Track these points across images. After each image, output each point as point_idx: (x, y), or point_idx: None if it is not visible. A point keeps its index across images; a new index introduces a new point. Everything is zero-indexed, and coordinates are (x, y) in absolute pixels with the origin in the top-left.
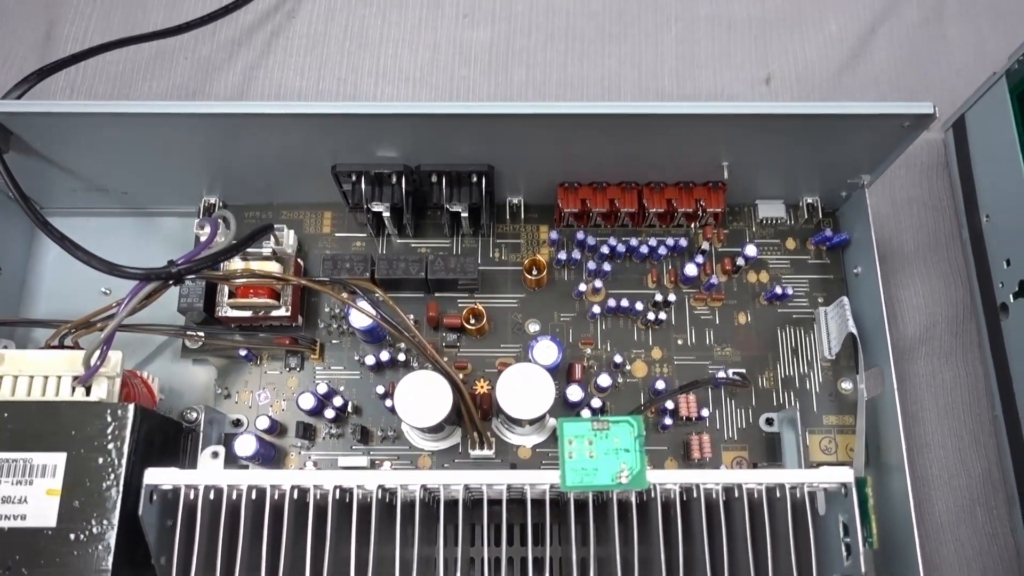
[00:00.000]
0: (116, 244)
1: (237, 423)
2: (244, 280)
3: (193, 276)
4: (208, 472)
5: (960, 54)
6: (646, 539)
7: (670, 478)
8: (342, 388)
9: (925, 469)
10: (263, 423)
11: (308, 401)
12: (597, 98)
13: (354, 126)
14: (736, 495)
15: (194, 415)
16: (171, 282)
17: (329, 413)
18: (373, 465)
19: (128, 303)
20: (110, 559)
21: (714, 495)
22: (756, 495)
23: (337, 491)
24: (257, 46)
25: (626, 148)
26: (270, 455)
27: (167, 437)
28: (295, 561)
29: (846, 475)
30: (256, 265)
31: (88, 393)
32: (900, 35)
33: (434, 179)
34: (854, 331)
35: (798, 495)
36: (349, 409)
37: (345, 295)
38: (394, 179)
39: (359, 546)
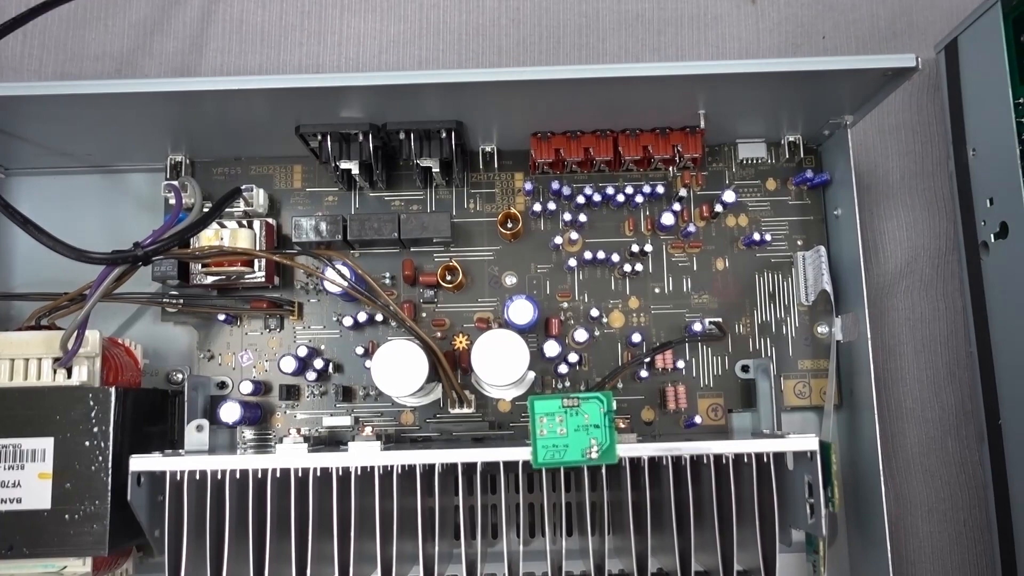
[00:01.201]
0: (84, 204)
1: (222, 385)
2: (213, 257)
3: (161, 257)
4: (191, 458)
5: None
6: (615, 485)
7: (640, 451)
8: (323, 347)
9: (899, 403)
10: (246, 387)
11: (289, 364)
12: (573, 23)
13: (313, 95)
14: (705, 462)
15: (179, 376)
16: (140, 264)
17: (311, 375)
18: (357, 423)
19: (99, 288)
20: (106, 536)
21: (683, 460)
22: (724, 461)
23: (318, 471)
24: None
25: (599, 98)
26: (256, 416)
27: (154, 406)
28: (280, 525)
29: (811, 444)
30: (227, 235)
31: (69, 375)
32: None
33: (402, 136)
34: (828, 288)
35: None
36: (331, 369)
37: (315, 265)
38: (360, 137)
39: (340, 502)
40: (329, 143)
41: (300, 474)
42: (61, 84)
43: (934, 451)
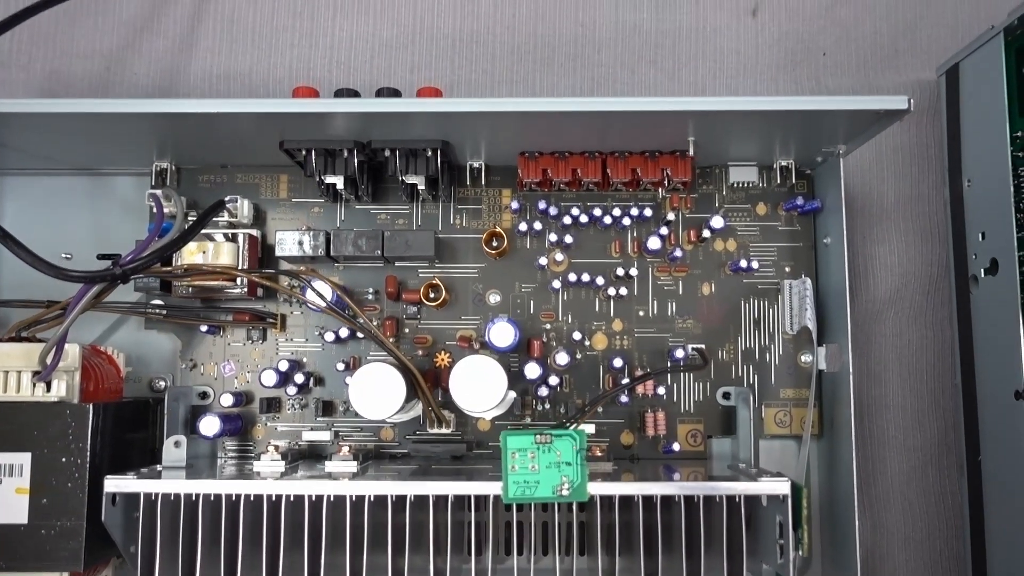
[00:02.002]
0: (71, 206)
1: (204, 396)
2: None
3: (140, 276)
4: (165, 482)
5: None
6: (588, 505)
7: (611, 490)
8: (305, 359)
9: (882, 430)
10: (227, 400)
11: (270, 378)
12: (569, 32)
13: (296, 117)
14: (676, 499)
15: (162, 384)
16: (119, 282)
17: (292, 389)
18: (337, 437)
19: (77, 305)
20: (82, 552)
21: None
22: (696, 499)
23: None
24: None
25: (587, 122)
26: (237, 427)
27: (137, 416)
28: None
29: (783, 488)
30: (210, 249)
31: (48, 388)
32: None
33: (387, 153)
34: (809, 325)
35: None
36: (312, 383)
37: (294, 285)
38: (345, 153)
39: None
40: (314, 157)
41: (274, 499)
42: (42, 103)
43: (915, 480)
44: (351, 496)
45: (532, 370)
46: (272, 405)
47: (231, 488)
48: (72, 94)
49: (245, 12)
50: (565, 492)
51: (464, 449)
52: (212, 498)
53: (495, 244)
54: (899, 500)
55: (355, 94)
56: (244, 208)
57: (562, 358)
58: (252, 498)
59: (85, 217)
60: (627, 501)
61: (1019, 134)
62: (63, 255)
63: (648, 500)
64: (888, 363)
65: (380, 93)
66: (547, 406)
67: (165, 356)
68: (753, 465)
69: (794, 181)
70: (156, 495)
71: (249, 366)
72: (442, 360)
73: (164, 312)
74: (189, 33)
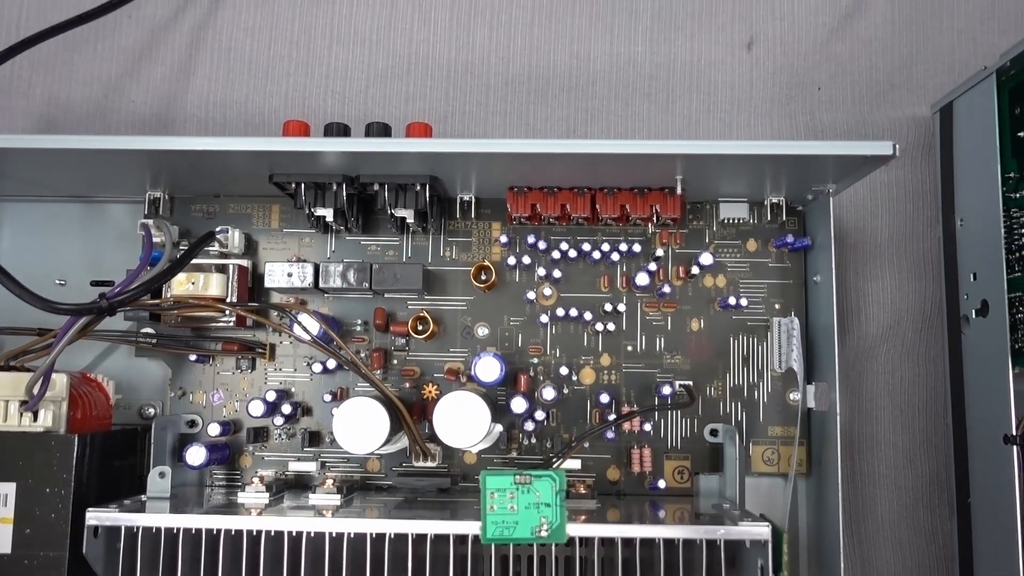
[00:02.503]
0: (65, 232)
1: (192, 424)
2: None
3: (127, 309)
4: (147, 516)
5: (967, 9)
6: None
7: (591, 532)
8: (293, 389)
9: (873, 468)
10: (214, 430)
11: (258, 408)
12: (564, 64)
13: (284, 155)
14: (656, 542)
15: (152, 411)
16: (105, 315)
17: (279, 419)
18: (324, 468)
19: (63, 337)
20: None
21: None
22: (676, 543)
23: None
24: (204, 3)
25: (576, 160)
26: (224, 456)
27: (125, 444)
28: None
29: (763, 533)
30: (200, 280)
31: (36, 418)
32: None
33: (376, 187)
34: (795, 367)
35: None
36: (300, 413)
37: (280, 320)
38: (335, 187)
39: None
40: (303, 190)
41: (255, 533)
42: (37, 139)
43: (905, 519)
44: (330, 533)
45: (518, 404)
46: (259, 435)
47: (212, 523)
48: (71, 120)
49: (242, 41)
50: (544, 533)
51: (449, 483)
52: (193, 531)
53: (484, 277)
54: (889, 539)
55: (345, 128)
56: (235, 238)
57: (549, 393)
58: (233, 532)
59: (80, 244)
60: (610, 539)
61: (1011, 175)
62: (57, 281)
63: (630, 539)
64: (880, 400)
65: (370, 128)
66: (533, 440)
67: (155, 384)
68: (738, 505)
69: (785, 218)
70: (137, 528)
71: (238, 395)
72: (430, 392)
73: (154, 341)
74: (187, 61)
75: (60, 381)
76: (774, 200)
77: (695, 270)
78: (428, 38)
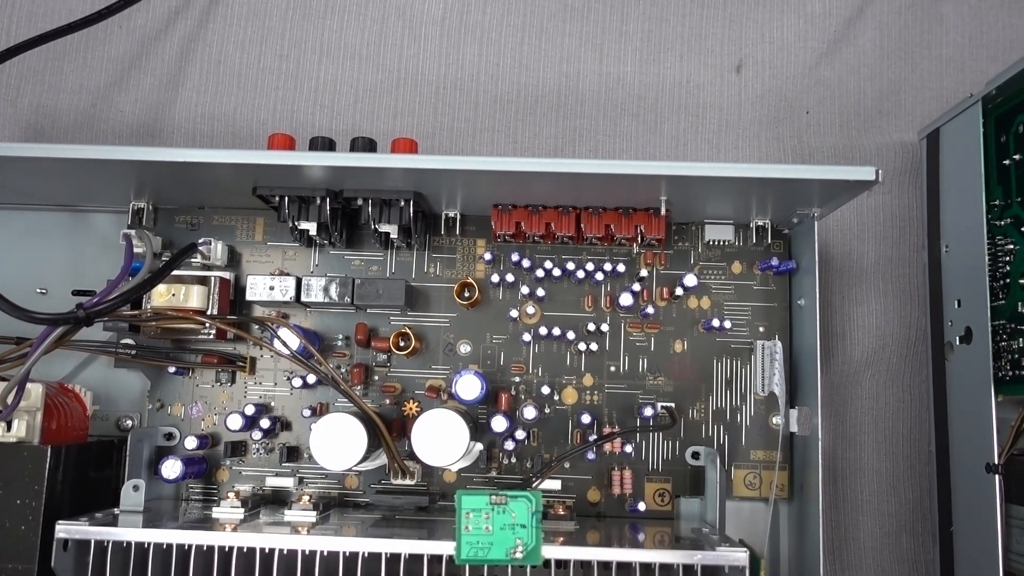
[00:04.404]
0: (49, 241)
1: (169, 437)
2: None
3: (105, 319)
4: (117, 529)
5: (955, 37)
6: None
7: (566, 554)
8: (273, 403)
9: (856, 494)
10: (191, 443)
11: (236, 422)
12: (553, 83)
13: (268, 168)
14: (633, 566)
15: (129, 422)
16: (82, 325)
17: (257, 434)
18: (301, 483)
19: (39, 347)
20: None
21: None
22: (653, 567)
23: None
24: (195, 15)
25: (560, 179)
26: (201, 470)
27: (101, 456)
28: None
29: (742, 559)
30: (181, 291)
31: (9, 428)
32: (890, 16)
33: (360, 202)
34: (776, 391)
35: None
36: (278, 427)
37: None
38: (319, 201)
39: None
40: (287, 204)
41: (226, 549)
42: (21, 147)
43: (887, 546)
44: (303, 550)
45: (499, 423)
46: (237, 449)
47: (183, 538)
48: (58, 129)
49: (232, 53)
50: (519, 555)
51: (428, 501)
52: (164, 546)
53: (467, 295)
54: (872, 566)
55: (330, 142)
56: (218, 250)
57: (530, 412)
58: (205, 548)
59: (63, 252)
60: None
61: (996, 202)
62: (38, 290)
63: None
64: (864, 426)
65: (355, 143)
66: (513, 460)
67: (134, 395)
68: (718, 529)
69: (770, 241)
70: (108, 542)
71: (217, 408)
72: (410, 409)
73: (133, 352)
74: (176, 72)
75: (35, 391)
76: (760, 223)
77: (679, 291)
78: (418, 54)
